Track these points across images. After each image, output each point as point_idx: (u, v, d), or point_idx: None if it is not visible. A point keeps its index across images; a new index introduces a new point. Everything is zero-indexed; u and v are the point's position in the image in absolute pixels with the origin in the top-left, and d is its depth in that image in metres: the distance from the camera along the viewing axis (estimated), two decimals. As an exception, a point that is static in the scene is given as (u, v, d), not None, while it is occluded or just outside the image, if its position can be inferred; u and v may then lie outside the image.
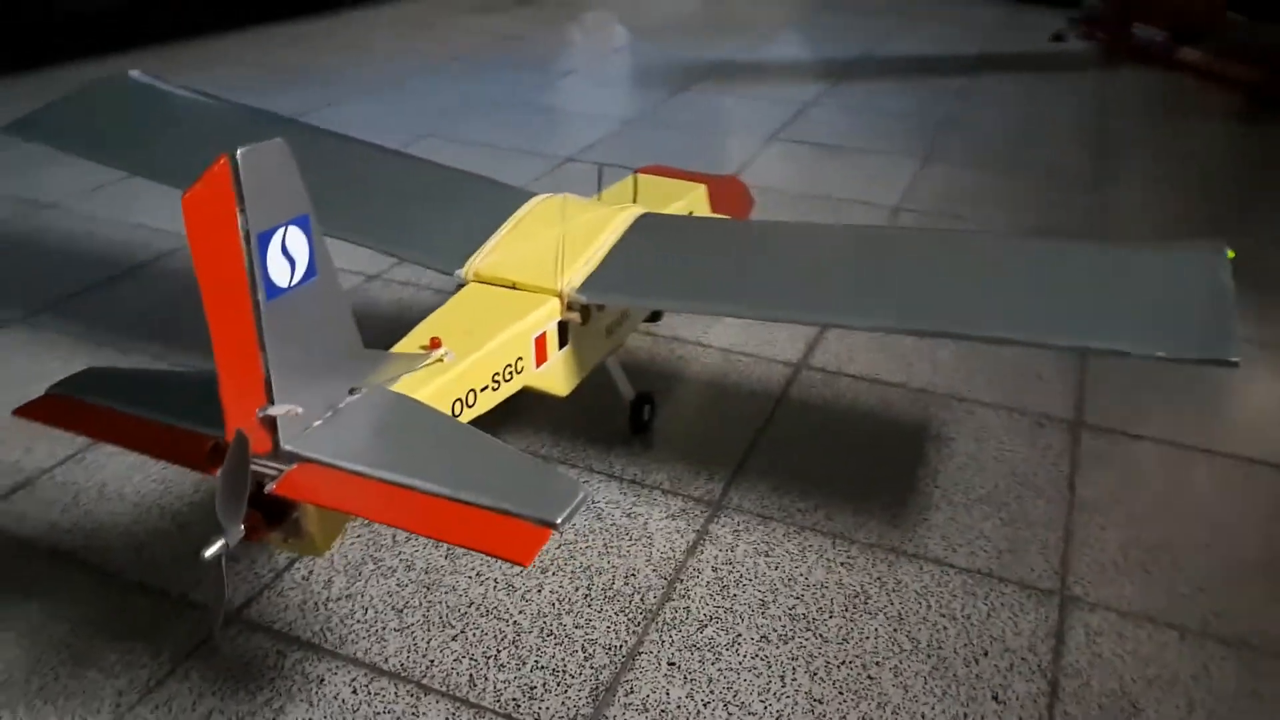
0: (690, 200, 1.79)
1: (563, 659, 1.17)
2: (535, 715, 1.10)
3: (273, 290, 0.94)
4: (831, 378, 1.77)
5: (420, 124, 3.12)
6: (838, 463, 1.54)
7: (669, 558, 1.33)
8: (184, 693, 1.11)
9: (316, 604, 1.24)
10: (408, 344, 1.23)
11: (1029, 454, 1.57)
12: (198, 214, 0.86)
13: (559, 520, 0.90)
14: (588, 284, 1.37)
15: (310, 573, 1.28)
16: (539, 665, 1.16)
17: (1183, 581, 1.32)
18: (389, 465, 0.96)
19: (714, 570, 1.31)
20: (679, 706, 1.11)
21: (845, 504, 1.44)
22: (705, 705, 1.12)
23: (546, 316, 1.35)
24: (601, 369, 1.52)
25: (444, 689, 1.13)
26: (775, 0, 5.61)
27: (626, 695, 1.13)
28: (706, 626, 1.22)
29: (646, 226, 1.51)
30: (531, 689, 1.13)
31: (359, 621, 1.21)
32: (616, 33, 4.74)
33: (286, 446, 0.98)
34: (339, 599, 1.25)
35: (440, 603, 1.24)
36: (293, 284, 0.95)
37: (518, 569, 1.30)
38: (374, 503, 0.94)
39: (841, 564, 1.33)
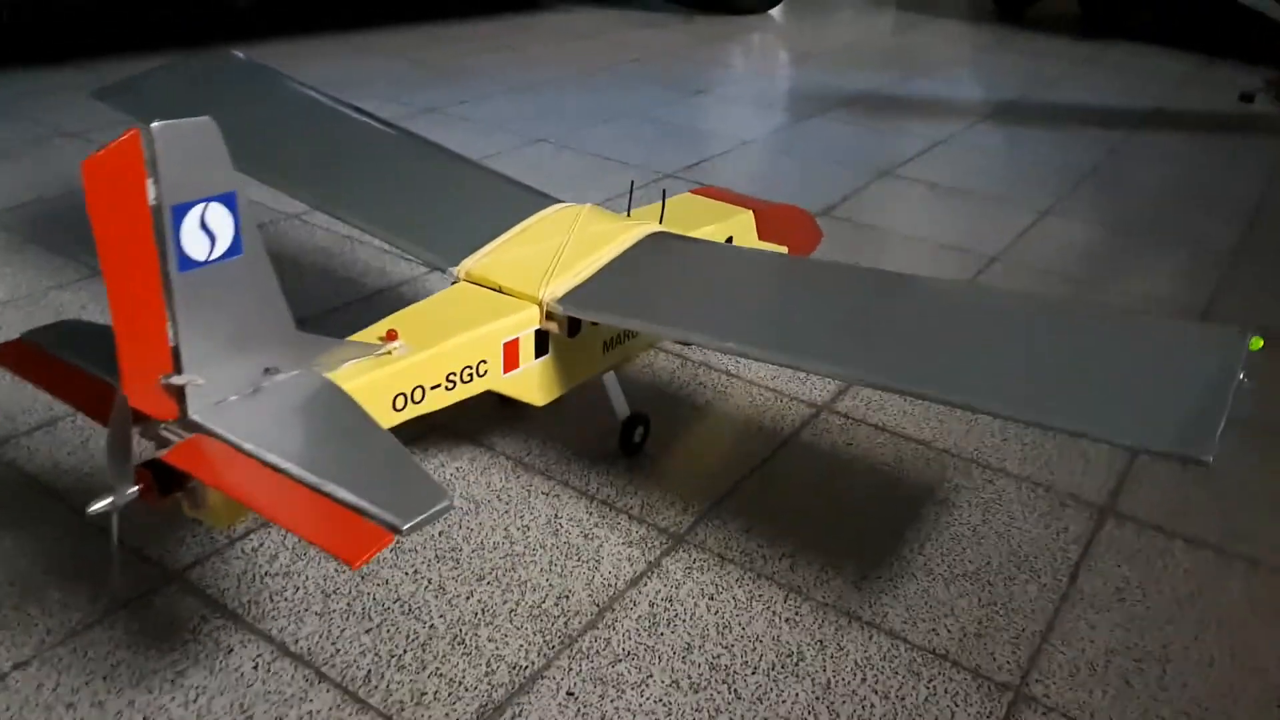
0: (729, 225, 1.74)
1: (464, 670, 1.15)
2: (414, 720, 1.09)
3: (186, 262, 0.97)
4: (853, 425, 1.68)
5: (538, 128, 3.18)
6: (823, 514, 1.46)
7: (610, 585, 1.29)
8: (104, 641, 1.16)
9: (254, 576, 1.27)
10: (369, 333, 1.25)
11: (1038, 535, 1.44)
12: (98, 179, 0.89)
13: (404, 526, 0.89)
14: (570, 296, 1.35)
15: (260, 545, 1.32)
16: (438, 673, 1.15)
17: (1166, 700, 1.17)
18: (273, 449, 0.97)
19: (650, 605, 1.27)
20: (560, 738, 1.08)
21: (814, 558, 1.36)
22: (587, 741, 1.08)
23: (521, 323, 1.34)
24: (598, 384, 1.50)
25: (339, 680, 1.13)
26: (957, 35, 5.42)
27: (513, 718, 1.10)
28: (621, 662, 1.18)
29: (654, 246, 1.48)
30: (421, 695, 1.12)
31: (286, 600, 1.24)
32: (772, 56, 4.70)
33: (193, 416, 1.01)
34: (277, 575, 1.27)
35: (369, 595, 1.25)
36: (211, 259, 0.98)
37: (456, 571, 1.29)
38: (243, 483, 0.95)
39: (786, 619, 1.26)
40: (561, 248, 1.44)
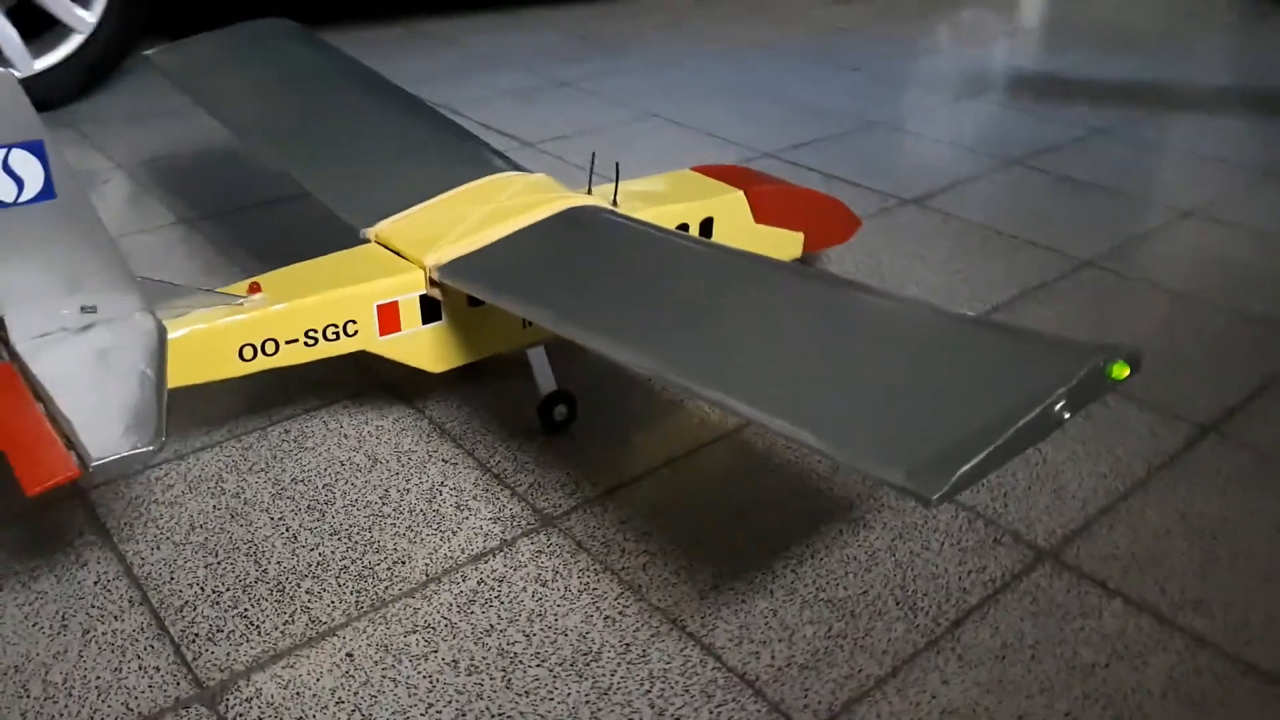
0: (707, 206, 1.66)
1: (268, 616, 1.19)
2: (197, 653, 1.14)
3: (-7, 203, 1.05)
4: (807, 428, 1.55)
5: (658, 104, 3.14)
6: (716, 516, 1.36)
7: (451, 557, 1.28)
8: (-10, 540, 1.30)
9: (145, 502, 1.37)
10: (240, 286, 1.30)
11: (944, 570, 1.27)
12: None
13: (93, 462, 0.93)
14: (454, 264, 1.34)
15: (165, 474, 1.42)
16: (244, 615, 1.19)
17: None
18: (48, 376, 1.04)
19: (479, 583, 1.24)
20: (315, 698, 1.09)
21: (675, 560, 1.28)
22: (343, 702, 1.08)
23: (400, 287, 1.34)
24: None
25: (156, 605, 1.20)
26: (1206, 7, 4.78)
27: (286, 666, 1.12)
28: (416, 633, 1.17)
29: (570, 222, 1.43)
30: (216, 632, 1.16)
31: (157, 527, 1.32)
32: (969, 33, 4.36)
33: (17, 345, 1.10)
34: (163, 503, 1.36)
35: (228, 533, 1.31)
36: (19, 201, 1.06)
37: (317, 523, 1.33)
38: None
39: (606, 617, 1.19)
40: (474, 215, 1.43)
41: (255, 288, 1.28)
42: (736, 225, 1.71)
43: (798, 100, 3.23)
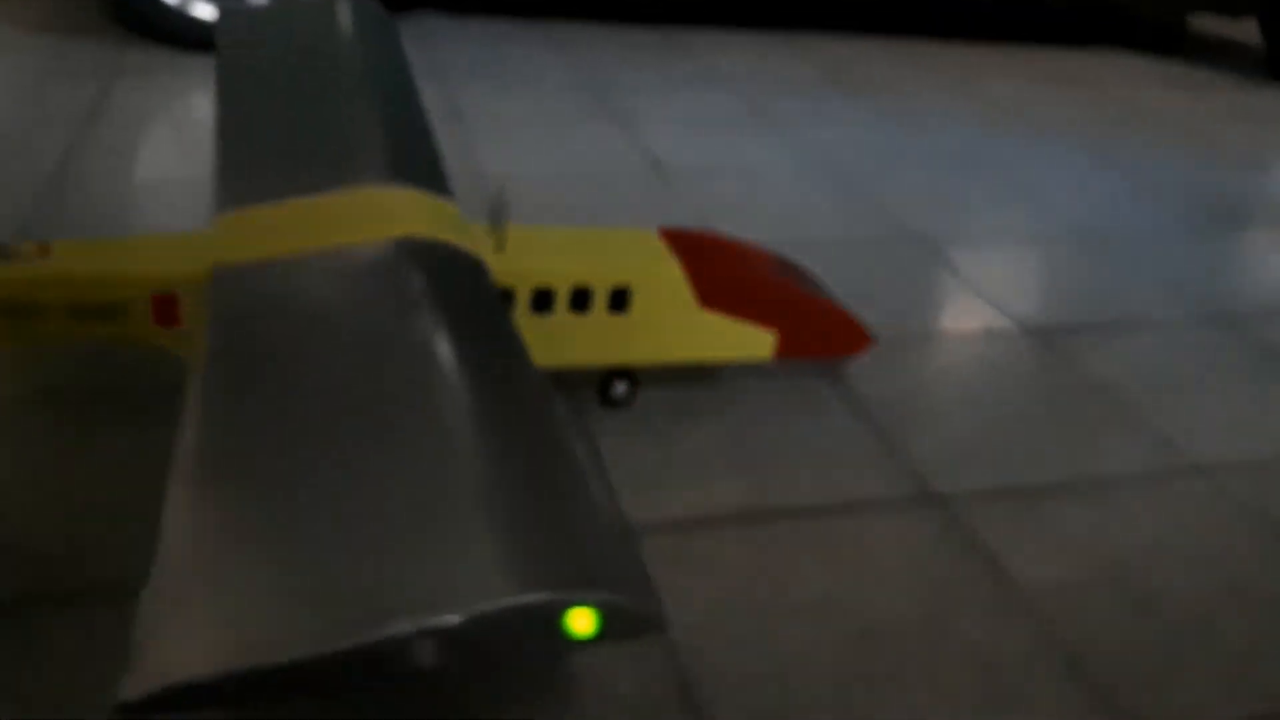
0: (625, 272, 1.42)
1: None
2: None
3: None
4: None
5: (838, 157, 2.81)
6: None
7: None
8: None
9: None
10: (33, 243, 1.28)
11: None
12: None
13: None
14: (227, 273, 1.23)
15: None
16: None
17: None
18: None
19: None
20: None
21: None
22: None
23: (179, 280, 1.26)
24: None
25: None
26: None
27: None
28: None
29: (382, 259, 1.25)
30: None
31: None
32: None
33: None
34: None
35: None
36: None
37: None
38: None
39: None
40: (300, 224, 1.30)
41: (44, 249, 1.25)
42: (667, 305, 1.44)
43: (1000, 189, 2.75)
